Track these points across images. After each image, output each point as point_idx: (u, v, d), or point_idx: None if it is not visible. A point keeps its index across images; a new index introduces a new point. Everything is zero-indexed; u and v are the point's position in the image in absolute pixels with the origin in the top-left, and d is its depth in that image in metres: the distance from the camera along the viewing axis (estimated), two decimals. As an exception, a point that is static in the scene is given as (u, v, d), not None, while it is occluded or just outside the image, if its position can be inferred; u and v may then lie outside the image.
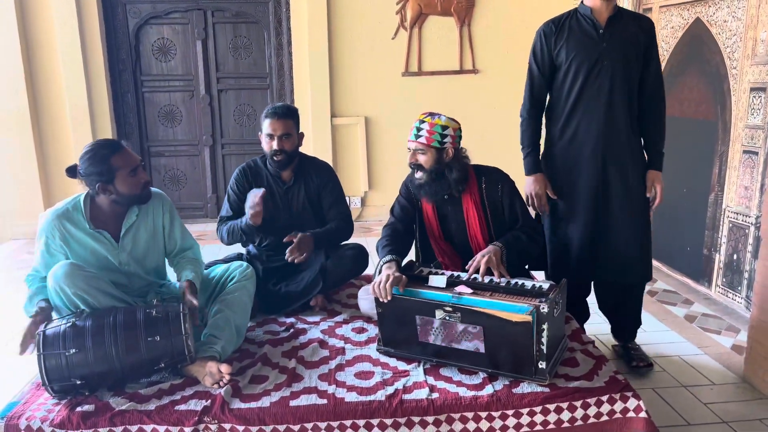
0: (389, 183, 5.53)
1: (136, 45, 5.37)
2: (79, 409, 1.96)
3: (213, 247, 4.33)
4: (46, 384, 1.98)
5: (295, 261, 2.65)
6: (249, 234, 2.80)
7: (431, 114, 2.47)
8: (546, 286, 2.18)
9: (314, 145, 5.27)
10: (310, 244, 2.70)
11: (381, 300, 2.18)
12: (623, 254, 2.63)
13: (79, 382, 1.99)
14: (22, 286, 2.30)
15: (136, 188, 2.28)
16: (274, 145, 2.78)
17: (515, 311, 2.02)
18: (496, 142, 5.17)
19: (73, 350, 1.97)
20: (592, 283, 2.87)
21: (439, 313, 2.11)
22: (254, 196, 2.68)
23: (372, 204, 5.64)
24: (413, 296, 2.18)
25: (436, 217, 2.54)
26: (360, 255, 2.88)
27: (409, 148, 2.49)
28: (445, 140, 2.43)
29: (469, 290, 2.17)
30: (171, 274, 2.56)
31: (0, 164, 5.17)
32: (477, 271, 2.30)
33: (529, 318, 1.98)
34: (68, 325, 2.01)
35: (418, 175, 2.48)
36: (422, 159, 2.45)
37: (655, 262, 4.08)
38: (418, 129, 2.45)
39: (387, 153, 5.52)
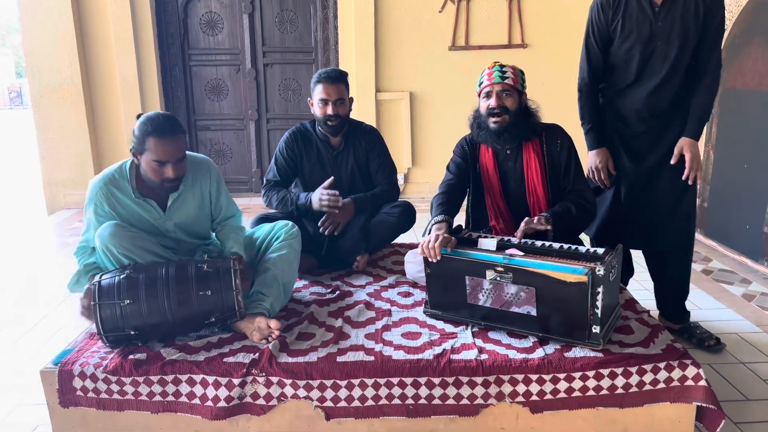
0: (433, 160, 5.47)
1: (185, 19, 5.43)
2: (131, 357, 1.99)
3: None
4: (101, 333, 2.01)
5: (326, 233, 2.68)
6: (303, 212, 2.80)
7: (501, 63, 2.46)
8: (600, 251, 2.11)
9: (358, 119, 5.23)
10: (348, 212, 2.70)
11: (430, 260, 2.14)
12: (653, 219, 2.58)
13: (132, 333, 2.02)
14: (73, 255, 2.31)
15: (155, 176, 2.15)
16: (329, 110, 2.76)
17: (570, 272, 1.96)
18: (545, 119, 5.03)
19: (128, 301, 2.00)
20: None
21: (490, 274, 2.06)
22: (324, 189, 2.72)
23: (415, 181, 5.60)
24: (464, 256, 2.13)
25: (497, 173, 2.49)
26: (405, 212, 2.85)
27: (488, 93, 2.41)
28: (524, 84, 2.45)
29: (521, 253, 2.11)
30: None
31: (53, 134, 5.33)
32: (525, 234, 2.24)
33: (584, 278, 1.91)
34: (122, 276, 2.04)
35: (500, 119, 2.39)
36: (508, 102, 2.39)
37: (710, 242, 3.95)
38: (503, 71, 2.40)
39: (432, 129, 5.46)
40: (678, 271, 2.69)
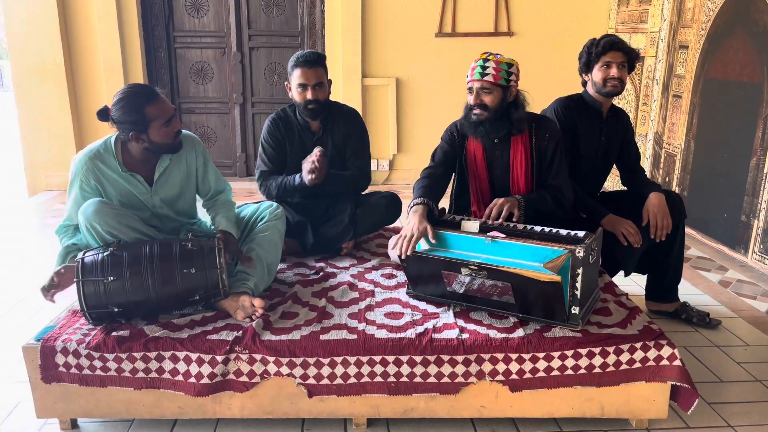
0: (418, 146, 5.49)
1: (169, 0, 5.36)
2: (114, 333, 1.99)
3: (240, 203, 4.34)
4: (84, 310, 2.01)
5: (308, 178, 2.60)
6: (303, 192, 2.74)
7: (492, 53, 2.40)
8: (581, 233, 2.14)
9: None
10: (324, 170, 2.63)
11: (400, 255, 2.16)
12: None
13: (116, 310, 2.02)
14: (55, 236, 2.30)
15: (169, 138, 2.23)
16: (308, 95, 2.68)
17: (549, 256, 1.98)
18: (531, 107, 5.04)
19: (111, 278, 1.99)
20: None
21: (465, 271, 2.07)
22: (311, 158, 2.61)
23: (400, 167, 5.61)
24: (443, 244, 2.15)
25: (484, 160, 2.50)
26: (392, 203, 2.86)
27: (470, 89, 2.39)
28: (510, 78, 2.37)
29: (503, 235, 2.14)
30: (202, 214, 2.57)
31: (35, 116, 5.26)
32: (496, 216, 2.28)
33: (557, 278, 1.92)
34: (106, 253, 2.03)
35: (478, 112, 2.39)
36: (487, 99, 2.36)
37: (689, 230, 4.02)
38: (483, 67, 2.35)
39: (417, 116, 5.47)
40: (681, 243, 2.75)
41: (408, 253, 2.13)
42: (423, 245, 2.19)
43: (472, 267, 2.06)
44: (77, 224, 2.22)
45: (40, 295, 2.15)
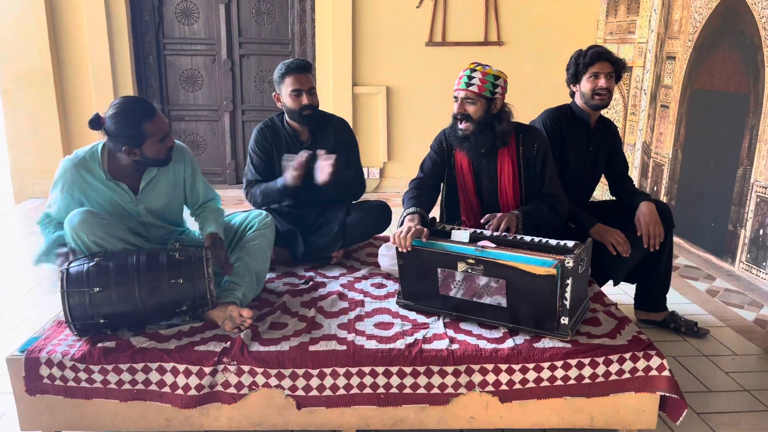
0: (409, 154, 5.49)
1: (159, 7, 5.35)
2: (100, 345, 1.97)
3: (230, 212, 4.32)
4: (70, 321, 1.98)
5: (323, 176, 2.64)
6: (286, 195, 2.75)
7: (480, 64, 2.41)
8: (570, 244, 2.15)
9: (335, 113, 5.22)
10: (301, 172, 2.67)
11: (401, 250, 2.16)
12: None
13: (102, 321, 1.99)
14: (40, 240, 2.27)
15: (161, 153, 2.22)
16: (304, 100, 2.70)
17: (539, 264, 1.99)
18: (520, 117, 5.06)
19: (97, 289, 1.97)
20: None
21: (461, 266, 2.09)
22: (296, 160, 2.64)
23: (391, 175, 5.61)
24: (435, 248, 2.15)
25: (471, 171, 2.50)
26: (382, 212, 2.86)
27: (456, 98, 2.41)
28: (496, 90, 2.38)
29: (493, 245, 2.14)
30: (190, 223, 2.55)
31: (22, 123, 5.21)
32: (495, 228, 2.27)
33: (553, 271, 1.94)
34: (92, 264, 2.00)
35: (464, 125, 2.40)
36: (471, 109, 2.38)
37: (676, 239, 4.04)
38: (470, 77, 2.37)
39: (408, 124, 5.48)
40: (670, 253, 2.76)
41: (407, 247, 2.12)
42: None
43: (470, 261, 2.06)
44: (58, 220, 2.21)
45: (33, 301, 2.12)
